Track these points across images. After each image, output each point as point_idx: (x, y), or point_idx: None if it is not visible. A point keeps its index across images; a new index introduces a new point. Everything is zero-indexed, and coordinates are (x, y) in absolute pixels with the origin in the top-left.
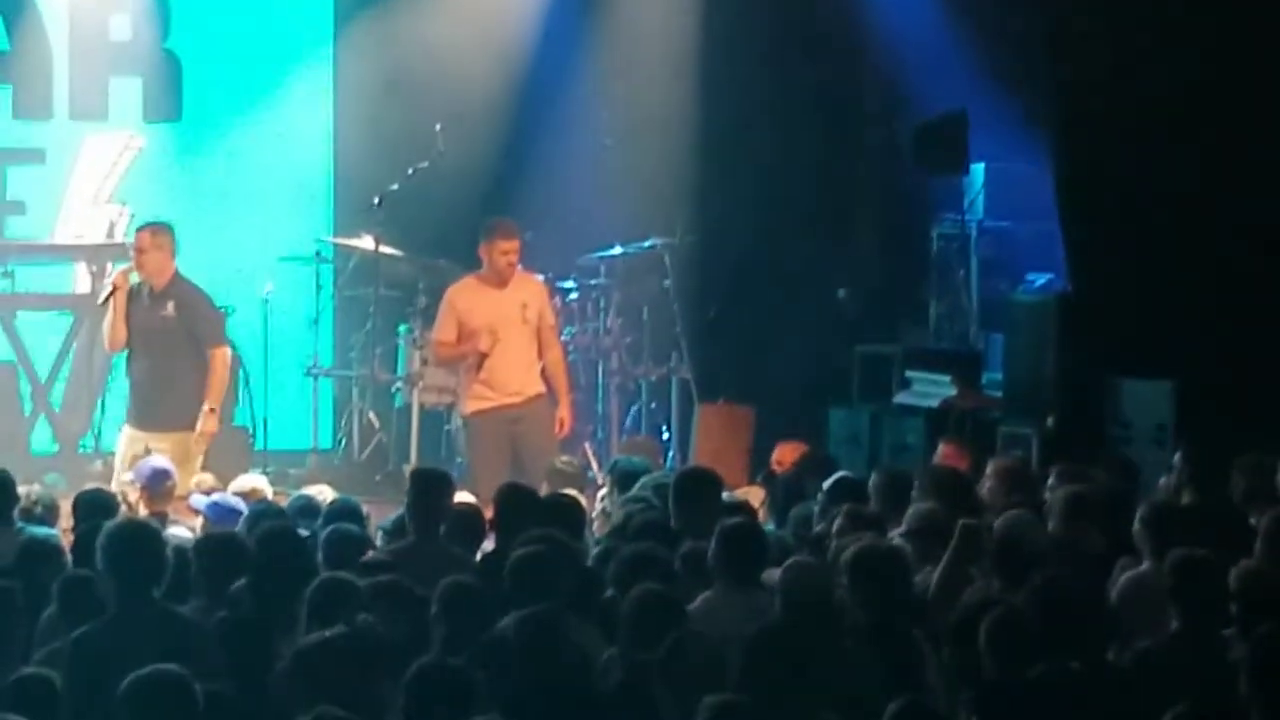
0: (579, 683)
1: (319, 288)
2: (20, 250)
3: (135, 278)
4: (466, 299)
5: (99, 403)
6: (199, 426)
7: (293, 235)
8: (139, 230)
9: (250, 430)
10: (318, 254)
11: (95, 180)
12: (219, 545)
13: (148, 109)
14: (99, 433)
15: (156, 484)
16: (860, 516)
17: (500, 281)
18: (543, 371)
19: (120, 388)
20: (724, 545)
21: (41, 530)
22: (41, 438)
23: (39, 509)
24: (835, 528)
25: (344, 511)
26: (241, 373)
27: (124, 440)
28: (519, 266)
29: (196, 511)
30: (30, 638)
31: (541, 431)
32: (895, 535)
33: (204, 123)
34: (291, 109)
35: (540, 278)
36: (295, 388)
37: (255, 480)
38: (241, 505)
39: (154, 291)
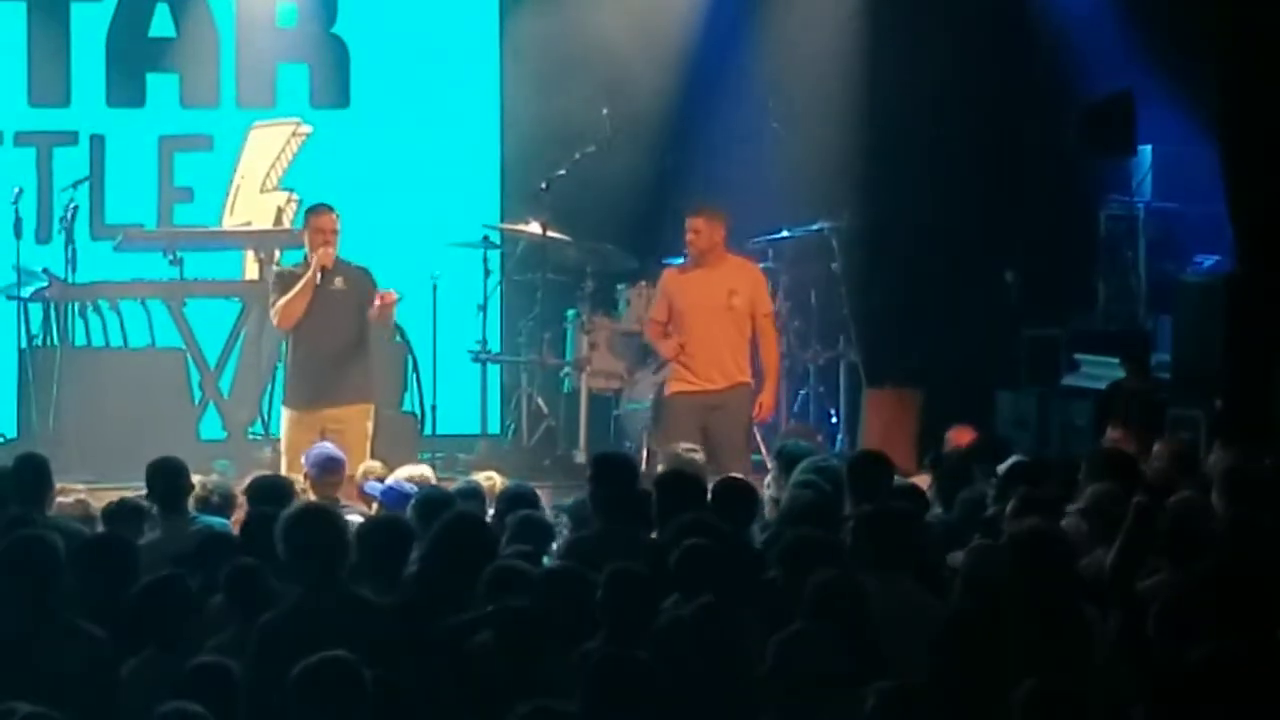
0: (743, 670)
1: (487, 273)
2: (188, 237)
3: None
4: (677, 280)
5: (267, 389)
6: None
7: (460, 221)
8: (331, 212)
9: (418, 416)
10: (485, 239)
11: (263, 167)
12: (387, 529)
13: (315, 95)
14: (268, 419)
15: (327, 471)
16: (1035, 500)
17: (702, 263)
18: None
19: None
20: (870, 531)
21: (216, 520)
22: (210, 424)
23: (215, 498)
24: (1009, 510)
25: (519, 497)
26: (409, 359)
27: (290, 424)
28: (723, 249)
29: (370, 498)
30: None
31: (735, 421)
32: (1071, 512)
33: (372, 109)
34: (459, 94)
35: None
36: (463, 373)
37: (421, 468)
38: (413, 490)
39: (324, 270)
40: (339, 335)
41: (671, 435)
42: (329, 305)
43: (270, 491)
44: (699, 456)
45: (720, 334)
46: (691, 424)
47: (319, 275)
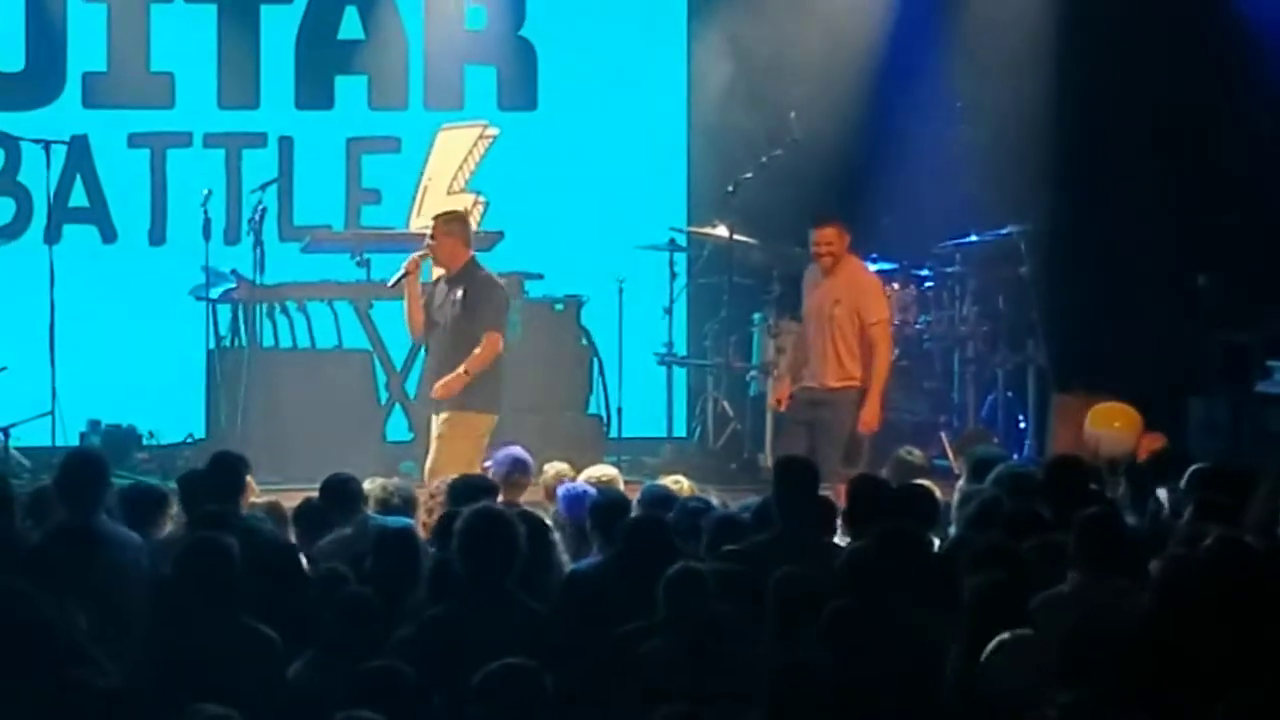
0: (923, 675)
1: (673, 276)
2: (376, 239)
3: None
4: (808, 281)
5: None
6: (442, 379)
7: (647, 224)
8: (435, 219)
9: (604, 419)
10: (672, 242)
11: (450, 169)
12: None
13: (503, 97)
14: None
15: (512, 474)
16: (1212, 507)
17: (829, 270)
18: None
19: None
20: (1081, 534)
21: (396, 520)
22: (397, 426)
23: (396, 500)
24: (1187, 517)
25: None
26: (595, 361)
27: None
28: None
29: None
30: (388, 628)
31: (836, 424)
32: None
33: (559, 111)
34: (646, 97)
35: (877, 269)
36: (649, 376)
37: (608, 470)
38: (592, 491)
39: (448, 278)
40: (449, 344)
41: (780, 430)
42: (445, 315)
43: (471, 492)
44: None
45: (825, 339)
46: (798, 420)
47: (444, 284)
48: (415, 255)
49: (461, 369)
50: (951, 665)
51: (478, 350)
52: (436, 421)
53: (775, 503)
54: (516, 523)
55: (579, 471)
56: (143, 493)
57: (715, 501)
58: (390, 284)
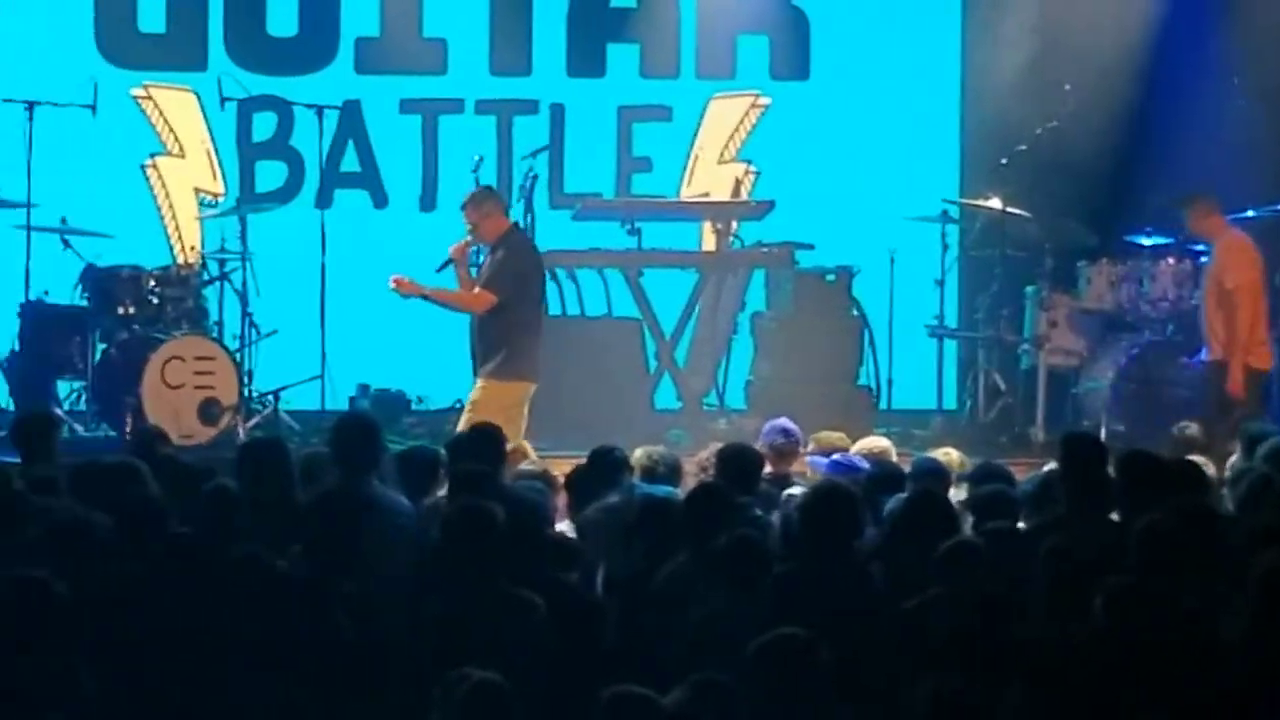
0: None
1: (945, 248)
2: (646, 207)
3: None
4: None
5: (723, 360)
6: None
7: (919, 195)
8: (463, 206)
9: (874, 390)
10: (944, 214)
11: (721, 138)
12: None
13: (775, 67)
14: (723, 390)
15: (780, 443)
16: None
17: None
18: None
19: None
20: None
21: (662, 489)
22: (665, 394)
23: (661, 468)
24: None
25: (992, 473)
26: (865, 333)
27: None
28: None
29: (815, 470)
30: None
31: (1212, 389)
32: None
33: (831, 81)
34: (919, 68)
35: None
36: (920, 348)
37: (880, 441)
38: (863, 464)
39: (492, 246)
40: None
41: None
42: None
43: (740, 462)
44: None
45: (1209, 310)
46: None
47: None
48: (460, 243)
49: (430, 287)
50: (1235, 645)
51: (463, 294)
52: (478, 386)
53: (1063, 481)
54: (857, 497)
55: (853, 442)
56: (420, 457)
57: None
58: (436, 270)
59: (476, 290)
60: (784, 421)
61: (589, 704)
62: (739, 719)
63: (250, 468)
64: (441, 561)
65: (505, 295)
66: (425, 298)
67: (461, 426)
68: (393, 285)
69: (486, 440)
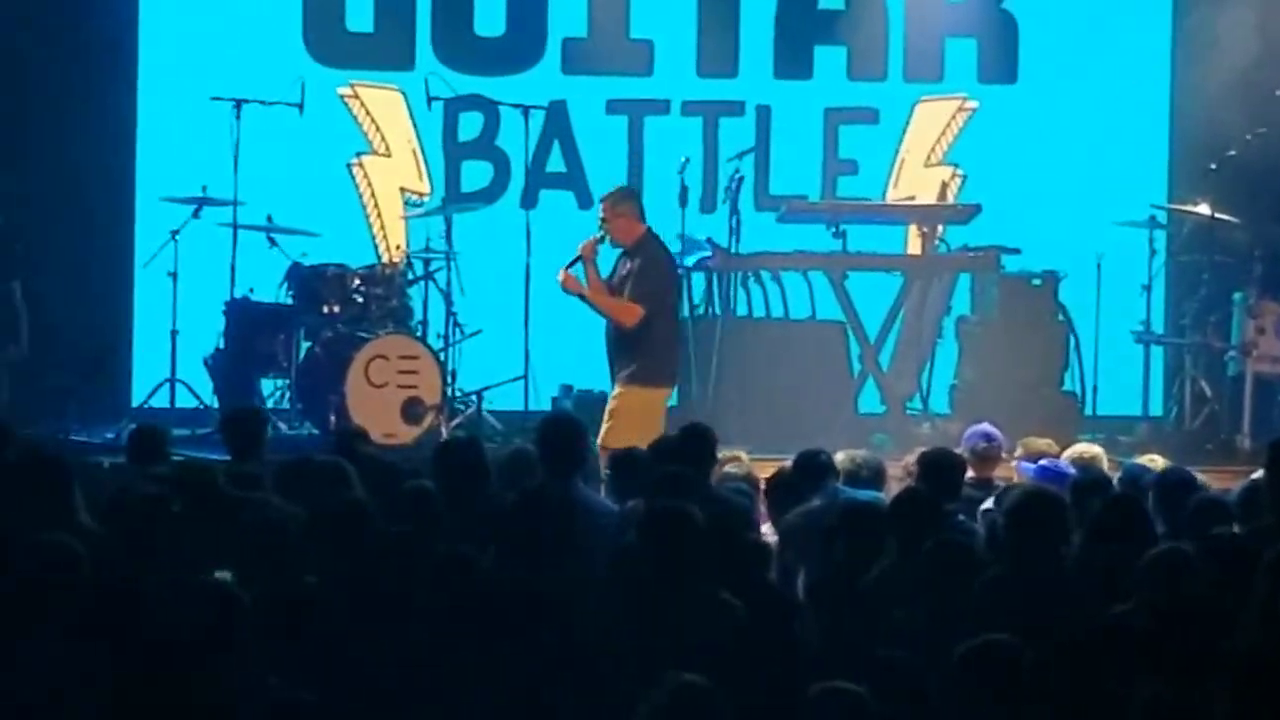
0: None
1: (1152, 253)
2: (852, 210)
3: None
4: None
5: (927, 364)
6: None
7: (1126, 199)
8: (601, 199)
9: (1078, 396)
10: (1152, 219)
11: (928, 141)
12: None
13: (983, 70)
14: (927, 394)
15: (982, 448)
16: None
17: None
18: None
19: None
20: None
21: (865, 493)
22: (869, 398)
23: (865, 472)
24: None
25: (1179, 482)
26: (1071, 338)
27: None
28: None
29: (1022, 476)
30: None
31: None
32: None
33: (1040, 84)
34: (1129, 72)
35: None
36: (1126, 354)
37: (1092, 448)
38: (1070, 469)
39: (626, 251)
40: None
41: None
42: (620, 287)
43: (941, 469)
44: None
45: None
46: None
47: (623, 259)
48: (590, 240)
49: (591, 290)
50: None
51: (619, 303)
52: (611, 395)
53: (1269, 488)
54: (1064, 503)
55: (1060, 448)
56: (629, 459)
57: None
58: (565, 268)
59: (626, 302)
60: (986, 426)
61: (788, 707)
62: None
63: (446, 468)
64: (639, 563)
65: (653, 308)
66: (583, 299)
67: (604, 438)
68: (560, 279)
69: (695, 441)
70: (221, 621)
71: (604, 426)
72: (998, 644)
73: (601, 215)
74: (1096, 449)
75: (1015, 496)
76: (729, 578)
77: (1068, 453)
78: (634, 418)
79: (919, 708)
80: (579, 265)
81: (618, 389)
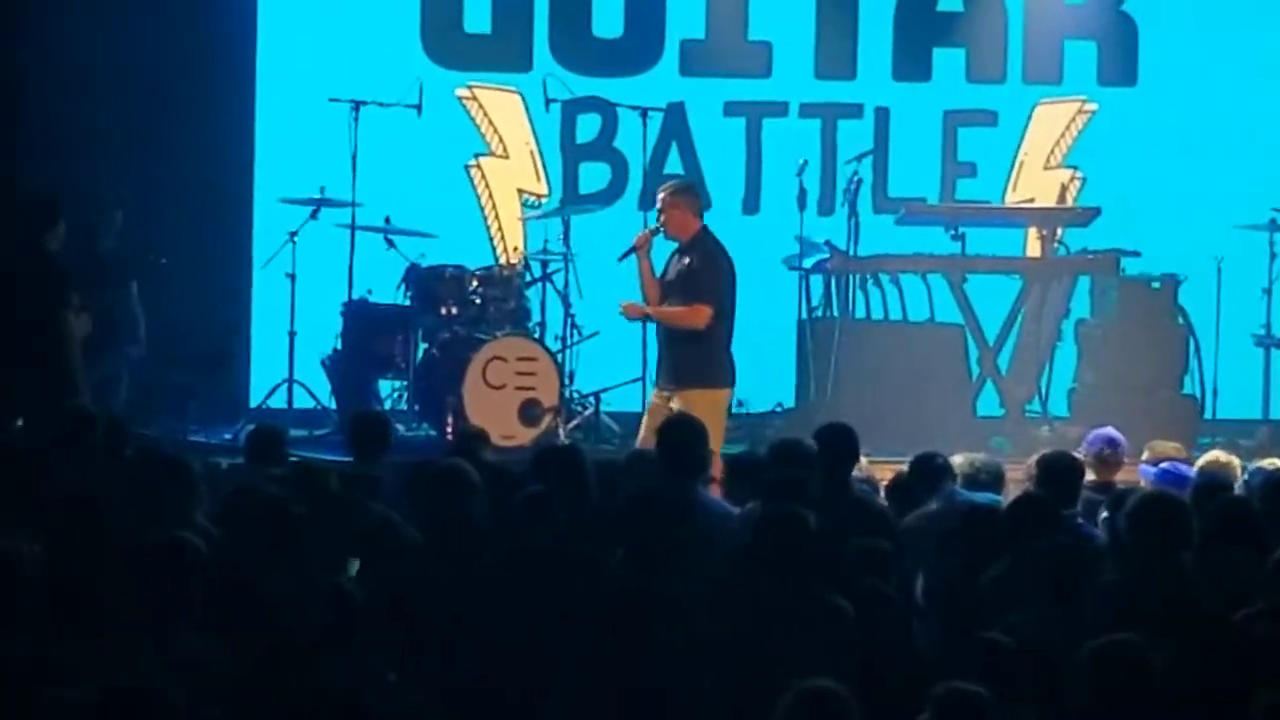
0: None
1: (1273, 256)
2: (971, 212)
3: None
4: None
5: (1046, 367)
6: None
7: (1247, 202)
8: (659, 190)
9: (1198, 399)
10: (1272, 222)
11: (1047, 144)
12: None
13: (1103, 72)
14: (1045, 397)
15: (1105, 452)
16: None
17: None
18: None
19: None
20: None
21: (984, 496)
22: (988, 401)
23: (983, 476)
24: None
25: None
26: (1191, 341)
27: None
28: None
29: (1144, 480)
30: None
31: None
32: None
33: (1159, 87)
34: (1249, 74)
35: None
36: (1246, 357)
37: (1224, 455)
38: (1191, 473)
39: (680, 247)
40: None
41: None
42: (674, 285)
43: (1058, 470)
44: None
45: None
46: None
47: (676, 255)
48: (645, 231)
49: (653, 306)
50: None
51: (684, 310)
52: (661, 400)
53: None
54: (1186, 507)
55: (1187, 453)
56: (745, 461)
57: None
58: (619, 260)
59: (691, 306)
60: (1110, 431)
61: (906, 712)
62: None
63: (544, 475)
64: (753, 566)
65: (717, 307)
66: (648, 319)
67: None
68: (621, 309)
69: (838, 439)
70: (339, 621)
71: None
72: (1126, 644)
73: (659, 206)
74: (1229, 457)
75: (1136, 500)
76: (850, 580)
77: (1201, 460)
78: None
79: (1041, 708)
80: (633, 256)
81: (679, 392)
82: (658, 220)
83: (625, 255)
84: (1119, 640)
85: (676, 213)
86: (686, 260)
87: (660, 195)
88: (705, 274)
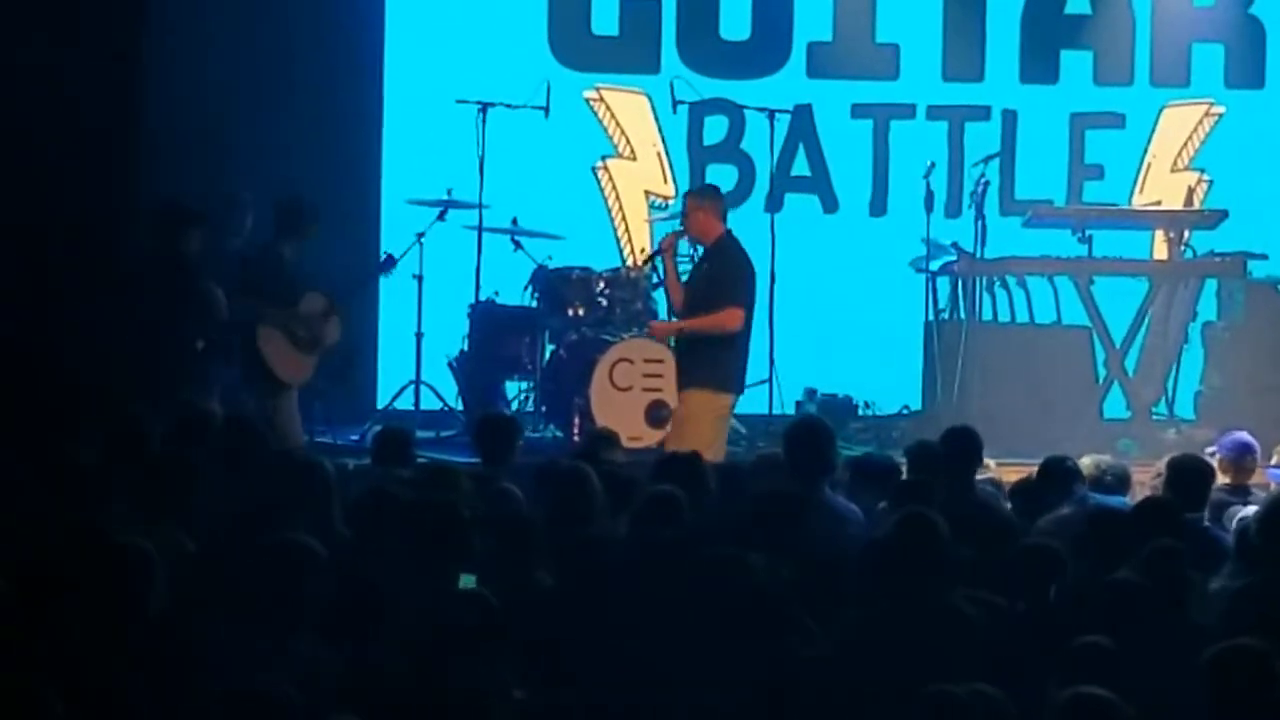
0: None
1: None
2: (1098, 215)
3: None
4: None
5: (1173, 370)
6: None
7: None
8: (685, 194)
9: None
10: None
11: (1174, 147)
12: None
13: (1230, 76)
14: (1172, 399)
15: (1241, 458)
16: None
17: None
18: None
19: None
20: None
21: (1111, 499)
22: (1114, 404)
23: (1109, 478)
24: None
25: None
26: None
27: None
28: None
29: (1274, 483)
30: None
31: None
32: None
33: None
34: None
35: None
36: None
37: None
38: None
39: (704, 253)
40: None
41: None
42: (697, 288)
43: (1187, 473)
44: None
45: None
46: None
47: (700, 259)
48: (670, 233)
49: (679, 321)
50: None
51: (713, 316)
52: (676, 401)
53: None
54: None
55: None
56: (873, 464)
57: None
58: (642, 261)
59: (720, 312)
60: (1244, 435)
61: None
62: None
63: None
64: (882, 569)
65: (742, 306)
66: (682, 331)
67: (671, 444)
68: (649, 330)
69: (961, 442)
70: (472, 626)
71: (673, 435)
72: (1248, 649)
73: (683, 209)
74: None
75: (1266, 504)
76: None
77: None
78: (705, 423)
79: (1168, 713)
80: (659, 258)
81: (682, 392)
82: (681, 222)
83: (650, 258)
84: (1240, 645)
85: (700, 215)
86: (710, 265)
87: (685, 200)
88: (730, 278)
